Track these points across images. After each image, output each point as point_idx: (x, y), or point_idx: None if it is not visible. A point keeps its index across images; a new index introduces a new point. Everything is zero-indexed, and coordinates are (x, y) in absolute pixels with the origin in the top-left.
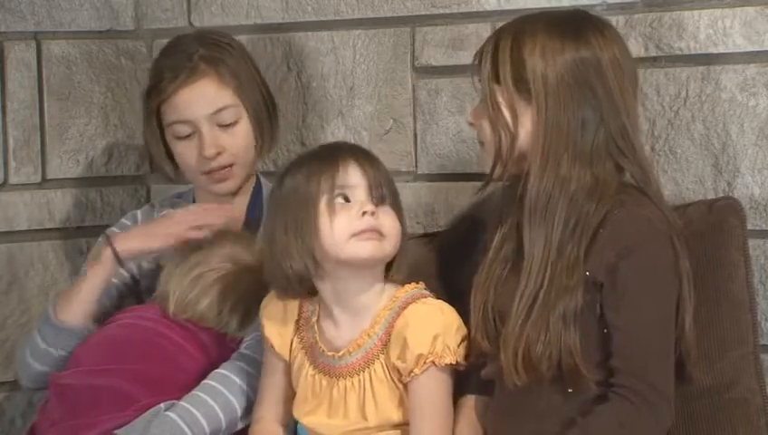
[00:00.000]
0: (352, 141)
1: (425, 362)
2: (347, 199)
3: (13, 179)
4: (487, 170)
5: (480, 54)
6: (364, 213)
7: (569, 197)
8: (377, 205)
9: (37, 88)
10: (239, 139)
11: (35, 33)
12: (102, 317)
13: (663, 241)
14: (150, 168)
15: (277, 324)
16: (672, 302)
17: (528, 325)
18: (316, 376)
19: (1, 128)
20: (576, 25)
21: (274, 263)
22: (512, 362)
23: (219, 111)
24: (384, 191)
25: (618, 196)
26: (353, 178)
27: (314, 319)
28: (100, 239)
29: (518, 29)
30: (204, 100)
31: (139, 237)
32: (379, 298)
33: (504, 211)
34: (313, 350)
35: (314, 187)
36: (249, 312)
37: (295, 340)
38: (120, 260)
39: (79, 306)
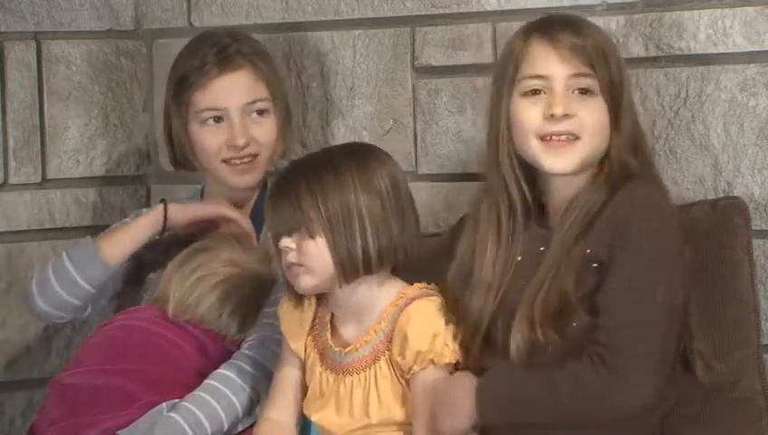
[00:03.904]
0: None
1: (423, 360)
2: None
3: (13, 179)
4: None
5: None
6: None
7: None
8: (291, 235)
9: (37, 88)
10: (267, 131)
11: (35, 33)
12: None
13: (664, 215)
14: (172, 161)
15: (294, 322)
16: (667, 279)
17: (533, 301)
18: (323, 373)
19: (1, 128)
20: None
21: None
22: (526, 329)
23: (253, 102)
24: (292, 220)
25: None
26: (268, 219)
27: (328, 317)
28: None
29: (581, 23)
30: (240, 89)
31: (187, 208)
32: (385, 295)
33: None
34: (324, 347)
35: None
36: (249, 315)
37: (309, 338)
38: (166, 220)
39: (120, 245)
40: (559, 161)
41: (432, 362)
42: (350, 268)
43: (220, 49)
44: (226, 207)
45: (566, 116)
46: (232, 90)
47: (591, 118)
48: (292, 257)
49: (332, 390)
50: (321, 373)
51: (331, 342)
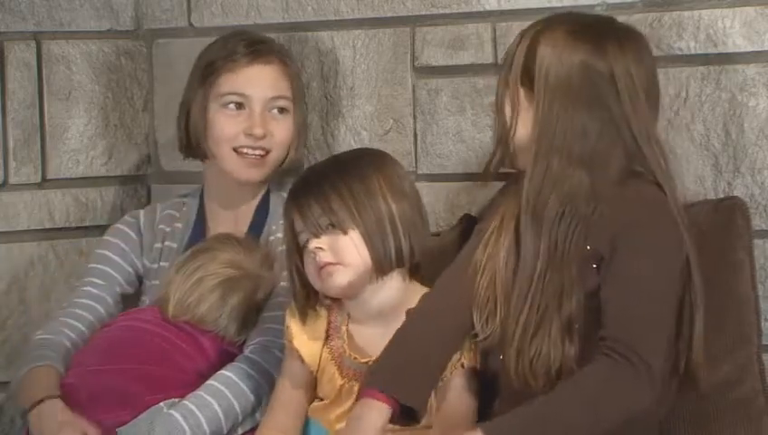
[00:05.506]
0: (352, 142)
1: (454, 367)
2: (307, 243)
3: (13, 179)
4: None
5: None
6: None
7: (560, 198)
8: (319, 237)
9: (37, 88)
10: (284, 129)
11: (35, 33)
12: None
13: (665, 218)
14: (181, 147)
15: (307, 334)
16: (670, 278)
17: (529, 334)
18: (346, 384)
19: (1, 128)
20: (597, 31)
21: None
22: (514, 364)
23: (278, 97)
24: (321, 222)
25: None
26: (298, 224)
27: (343, 327)
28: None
29: (543, 25)
30: (267, 82)
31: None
32: (409, 298)
33: (504, 205)
34: (342, 358)
35: (287, 236)
36: (249, 317)
37: (325, 350)
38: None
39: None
40: None
41: (462, 365)
42: (385, 258)
43: (250, 42)
44: None
45: None
46: (259, 80)
47: None
48: (325, 257)
49: (356, 396)
50: (343, 385)
51: (351, 352)
